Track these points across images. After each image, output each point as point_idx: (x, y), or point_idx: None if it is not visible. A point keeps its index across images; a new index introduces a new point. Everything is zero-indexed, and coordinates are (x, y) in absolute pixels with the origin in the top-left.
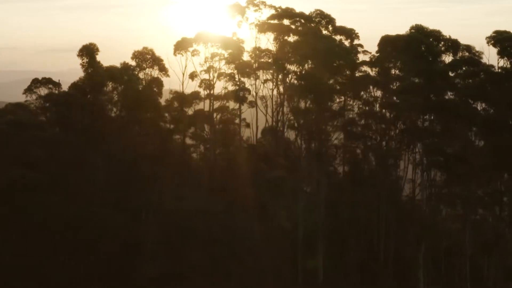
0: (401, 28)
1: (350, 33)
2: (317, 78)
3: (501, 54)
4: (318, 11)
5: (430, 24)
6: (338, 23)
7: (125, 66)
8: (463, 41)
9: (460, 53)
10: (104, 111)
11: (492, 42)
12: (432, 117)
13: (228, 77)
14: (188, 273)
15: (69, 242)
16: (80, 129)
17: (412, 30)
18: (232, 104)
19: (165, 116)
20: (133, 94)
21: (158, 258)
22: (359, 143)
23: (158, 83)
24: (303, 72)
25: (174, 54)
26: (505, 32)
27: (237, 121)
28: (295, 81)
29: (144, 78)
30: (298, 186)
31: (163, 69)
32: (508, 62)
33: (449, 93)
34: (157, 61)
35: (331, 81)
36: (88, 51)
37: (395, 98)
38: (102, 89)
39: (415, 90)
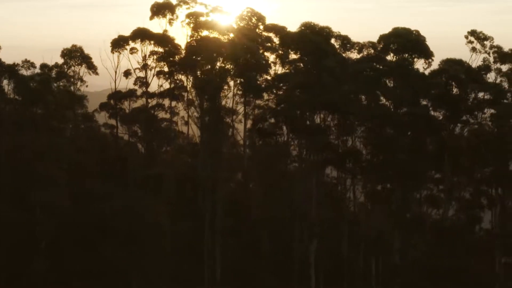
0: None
1: (282, 31)
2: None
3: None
4: (249, 9)
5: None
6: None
7: (43, 64)
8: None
9: (366, 51)
10: None
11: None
12: (322, 115)
13: (164, 75)
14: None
15: None
16: None
17: (302, 28)
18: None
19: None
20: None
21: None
22: None
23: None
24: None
25: (112, 52)
26: (402, 29)
27: (175, 118)
28: None
29: (73, 76)
30: None
31: (91, 67)
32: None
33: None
34: (85, 59)
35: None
36: None
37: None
38: None
39: (305, 87)
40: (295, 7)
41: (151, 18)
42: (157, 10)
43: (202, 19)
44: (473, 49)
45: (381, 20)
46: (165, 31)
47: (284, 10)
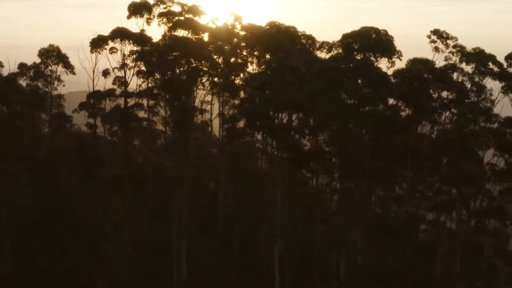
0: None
1: (258, 31)
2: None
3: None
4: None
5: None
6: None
7: (21, 64)
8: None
9: (336, 51)
10: None
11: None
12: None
13: (143, 75)
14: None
15: None
16: None
17: (267, 27)
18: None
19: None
20: None
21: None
22: None
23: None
24: None
25: (91, 51)
26: (370, 28)
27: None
28: None
29: (51, 76)
30: None
31: (68, 66)
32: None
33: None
34: (62, 59)
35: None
36: None
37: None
38: None
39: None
40: (298, 6)
41: (129, 17)
42: (135, 10)
43: (180, 18)
44: (436, 49)
45: (383, 19)
46: (143, 30)
47: (287, 9)
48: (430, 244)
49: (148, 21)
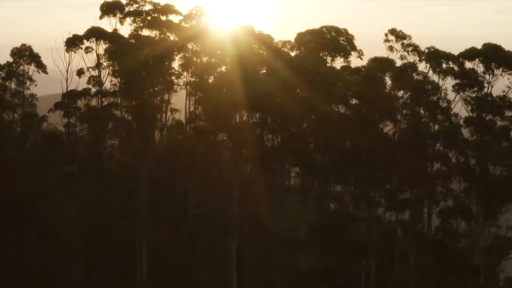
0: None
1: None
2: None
3: None
4: (197, 8)
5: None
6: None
7: None
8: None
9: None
10: None
11: None
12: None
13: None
14: None
15: None
16: None
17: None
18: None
19: None
20: None
21: None
22: None
23: None
24: None
25: (66, 51)
26: (325, 27)
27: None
28: None
29: (23, 75)
30: None
31: (40, 66)
32: None
33: None
34: (34, 58)
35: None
36: None
37: None
38: None
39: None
40: (298, 6)
41: (101, 17)
42: (107, 9)
43: (152, 17)
44: (390, 48)
45: (386, 19)
46: (115, 30)
47: (287, 9)
48: (361, 244)
49: (121, 21)
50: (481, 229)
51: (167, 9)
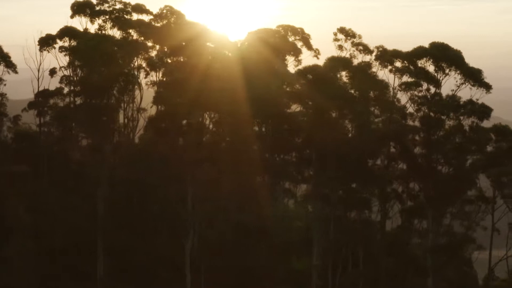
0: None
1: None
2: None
3: None
4: (168, 7)
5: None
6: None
7: None
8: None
9: None
10: None
11: None
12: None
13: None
14: None
15: None
16: None
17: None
18: None
19: None
20: None
21: None
22: None
23: None
24: None
25: (40, 50)
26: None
27: None
28: None
29: None
30: None
31: (10, 66)
32: None
33: None
34: (4, 58)
35: None
36: None
37: None
38: None
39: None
40: (300, 5)
41: (72, 16)
42: (78, 9)
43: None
44: (340, 47)
45: (391, 18)
46: (86, 29)
47: (293, 8)
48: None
49: (92, 20)
50: (429, 229)
51: (138, 9)
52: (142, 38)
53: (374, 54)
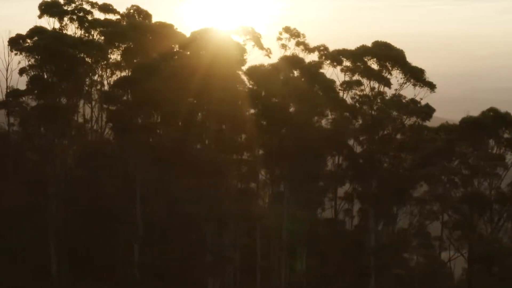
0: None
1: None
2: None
3: None
4: (134, 7)
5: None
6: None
7: None
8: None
9: None
10: None
11: None
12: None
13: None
14: None
15: None
16: None
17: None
18: None
19: None
20: None
21: None
22: None
23: None
24: None
25: (11, 50)
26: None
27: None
28: None
29: None
30: None
31: None
32: None
33: None
34: None
35: None
36: None
37: None
38: None
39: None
40: (301, 5)
41: (40, 16)
42: (46, 9)
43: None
44: (283, 46)
45: (391, 18)
46: (54, 29)
47: (291, 9)
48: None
49: (60, 20)
50: (370, 229)
51: (105, 8)
52: (102, 38)
53: (315, 53)
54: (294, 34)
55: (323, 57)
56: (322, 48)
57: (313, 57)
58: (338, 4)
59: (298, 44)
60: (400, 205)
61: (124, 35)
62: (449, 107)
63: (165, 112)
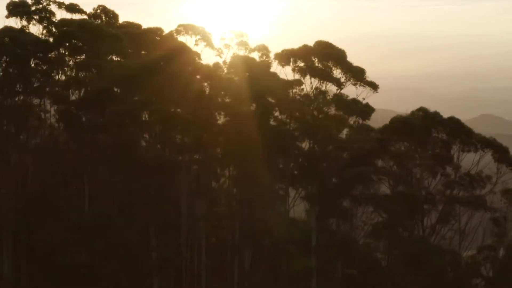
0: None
1: (137, 29)
2: None
3: None
4: (101, 7)
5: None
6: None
7: None
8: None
9: None
10: None
11: None
12: None
13: None
14: None
15: None
16: None
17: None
18: None
19: None
20: None
21: None
22: None
23: None
24: None
25: None
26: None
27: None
28: None
29: None
30: None
31: None
32: None
33: None
34: None
35: None
36: None
37: None
38: None
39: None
40: (303, 6)
41: (8, 16)
42: (13, 9)
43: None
44: (226, 46)
45: (391, 18)
46: (23, 27)
47: (295, 9)
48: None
49: (28, 20)
50: (312, 228)
51: (72, 9)
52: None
53: (256, 52)
54: (237, 34)
55: (264, 57)
56: (262, 47)
57: (254, 56)
58: (339, 4)
59: (241, 44)
60: (354, 204)
61: (73, 35)
62: (449, 107)
63: (112, 112)
